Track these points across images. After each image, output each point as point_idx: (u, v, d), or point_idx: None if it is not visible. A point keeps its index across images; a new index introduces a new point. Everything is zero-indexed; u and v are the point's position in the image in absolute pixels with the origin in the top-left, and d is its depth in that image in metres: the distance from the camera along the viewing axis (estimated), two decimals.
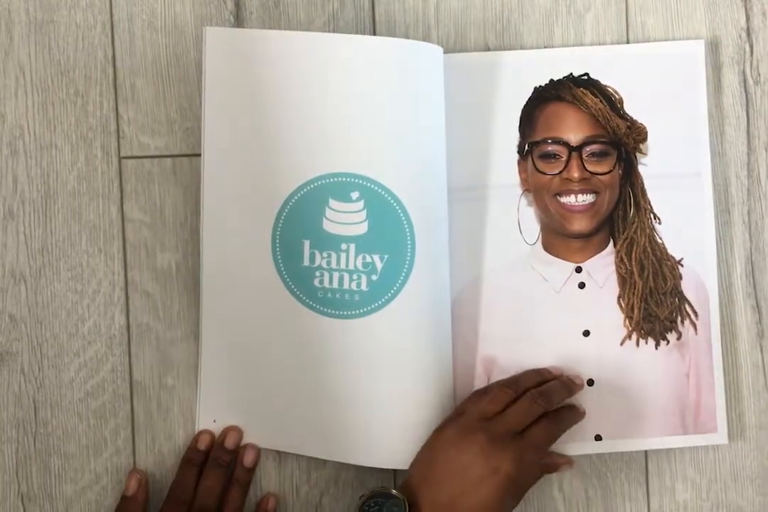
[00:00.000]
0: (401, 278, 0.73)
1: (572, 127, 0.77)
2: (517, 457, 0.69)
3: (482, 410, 0.72)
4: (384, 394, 0.73)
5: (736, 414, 0.78)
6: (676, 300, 0.78)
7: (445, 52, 0.75)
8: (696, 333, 0.78)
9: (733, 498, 0.78)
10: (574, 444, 0.76)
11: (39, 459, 0.77)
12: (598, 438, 0.77)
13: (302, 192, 0.74)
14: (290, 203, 0.74)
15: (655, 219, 0.78)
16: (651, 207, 0.78)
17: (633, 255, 0.78)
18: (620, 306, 0.78)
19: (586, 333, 0.78)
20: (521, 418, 0.72)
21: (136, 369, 0.77)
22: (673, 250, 0.78)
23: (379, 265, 0.73)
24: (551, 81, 0.78)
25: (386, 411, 0.74)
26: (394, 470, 0.77)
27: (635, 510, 0.78)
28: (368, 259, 0.73)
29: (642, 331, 0.78)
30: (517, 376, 0.75)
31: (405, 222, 0.73)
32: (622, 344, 0.78)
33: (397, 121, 0.73)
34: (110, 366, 0.77)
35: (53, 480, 0.77)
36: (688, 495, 0.78)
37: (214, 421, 0.76)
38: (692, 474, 0.78)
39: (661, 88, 0.78)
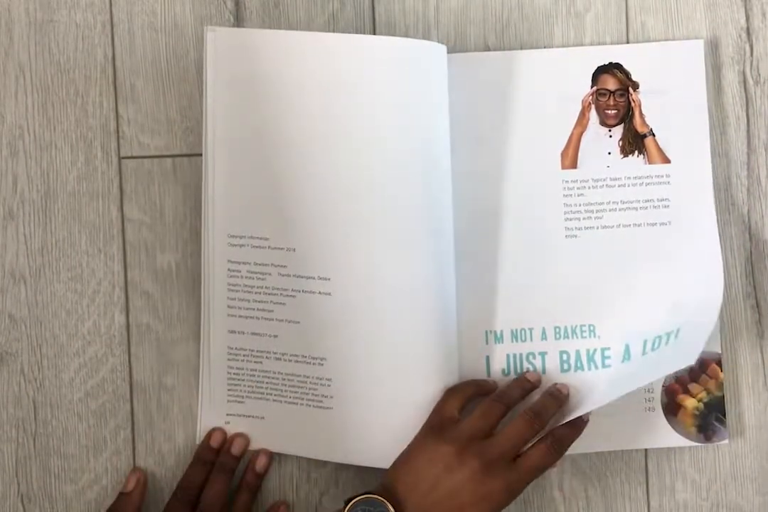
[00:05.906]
0: None
1: None
2: (509, 487, 0.68)
3: (474, 427, 0.69)
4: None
5: (736, 414, 0.78)
6: None
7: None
8: None
9: (733, 498, 0.78)
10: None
11: (39, 459, 0.77)
12: None
13: None
14: None
15: None
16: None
17: None
18: None
19: None
20: (517, 443, 0.69)
21: (136, 369, 0.77)
22: None
23: None
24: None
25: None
26: None
27: (635, 509, 0.78)
28: None
29: None
30: (504, 389, 0.73)
31: None
32: None
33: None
34: (110, 366, 0.77)
35: (53, 480, 0.77)
36: (687, 495, 0.78)
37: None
38: (692, 474, 0.78)
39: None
